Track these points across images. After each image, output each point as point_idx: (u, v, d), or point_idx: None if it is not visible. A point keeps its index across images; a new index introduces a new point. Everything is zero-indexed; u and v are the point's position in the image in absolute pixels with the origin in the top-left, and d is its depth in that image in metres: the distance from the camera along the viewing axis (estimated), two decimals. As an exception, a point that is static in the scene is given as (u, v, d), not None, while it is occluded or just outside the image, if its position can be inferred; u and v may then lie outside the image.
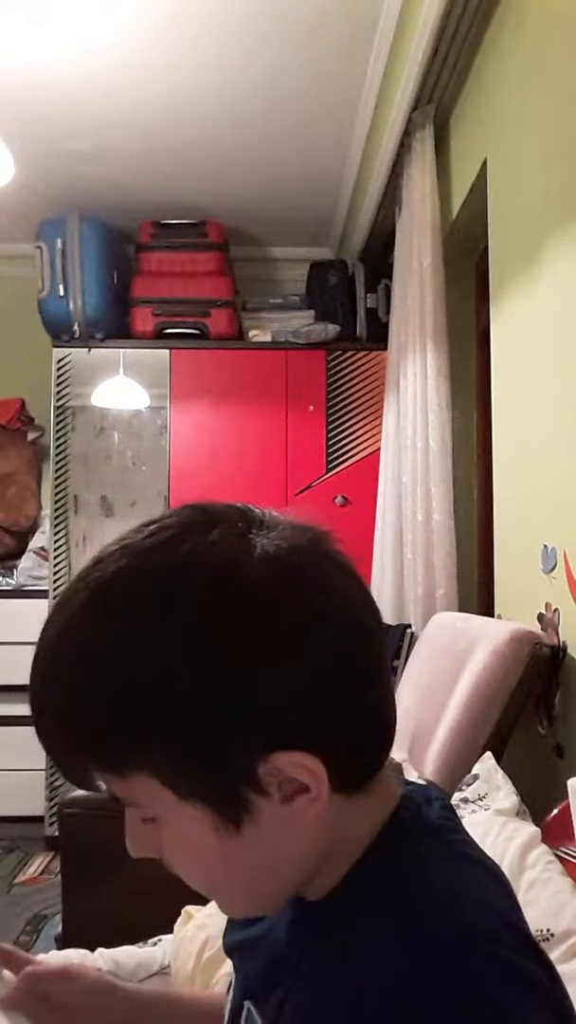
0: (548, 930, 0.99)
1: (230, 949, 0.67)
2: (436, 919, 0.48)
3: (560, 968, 0.50)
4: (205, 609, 0.48)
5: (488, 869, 0.54)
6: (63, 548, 3.42)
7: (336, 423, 3.35)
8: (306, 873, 0.54)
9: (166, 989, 0.97)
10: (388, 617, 2.71)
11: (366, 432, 3.32)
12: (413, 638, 2.43)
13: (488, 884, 0.53)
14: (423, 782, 0.62)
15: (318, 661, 0.50)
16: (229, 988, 0.65)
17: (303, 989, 0.52)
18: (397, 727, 0.57)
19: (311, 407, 3.34)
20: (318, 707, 0.50)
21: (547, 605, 1.76)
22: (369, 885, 0.52)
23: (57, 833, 1.77)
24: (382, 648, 0.56)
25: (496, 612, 2.16)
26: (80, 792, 1.76)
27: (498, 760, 1.46)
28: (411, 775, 1.70)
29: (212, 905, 1.15)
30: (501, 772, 1.40)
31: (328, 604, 0.51)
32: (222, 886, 0.56)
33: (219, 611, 0.48)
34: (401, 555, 2.68)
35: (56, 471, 3.41)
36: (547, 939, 0.98)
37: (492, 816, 1.26)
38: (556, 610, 1.71)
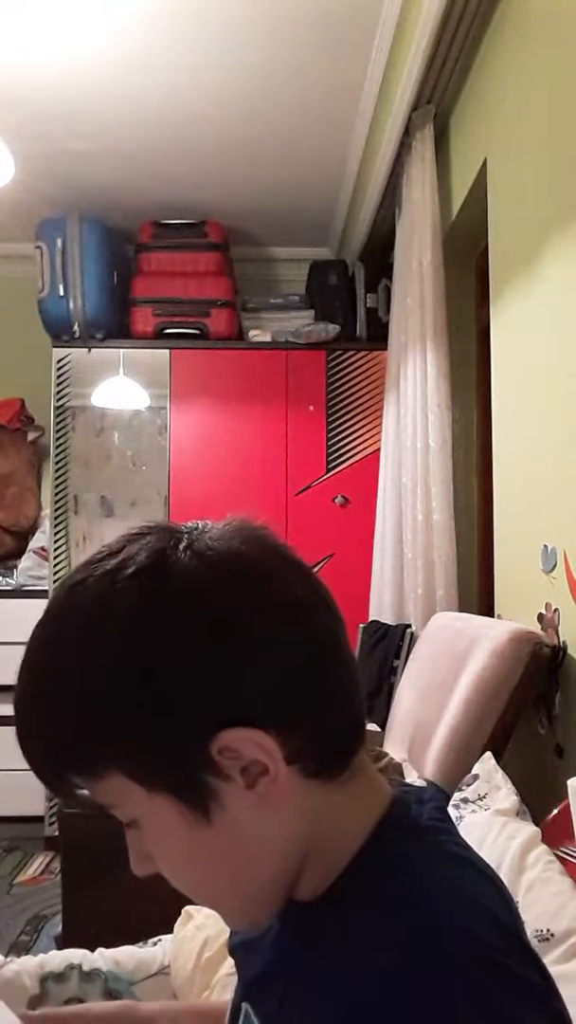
0: (548, 930, 0.99)
1: (234, 948, 0.68)
2: (431, 923, 0.47)
3: (560, 968, 0.50)
4: (137, 605, 0.51)
5: (482, 872, 0.54)
6: (63, 548, 3.42)
7: (336, 423, 3.35)
8: (291, 869, 0.54)
9: (174, 1004, 0.96)
10: (388, 617, 2.71)
11: (366, 432, 3.32)
12: (413, 638, 2.43)
13: (483, 887, 0.53)
14: (423, 783, 0.62)
15: (263, 648, 0.52)
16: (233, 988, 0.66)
17: (299, 993, 0.52)
18: (397, 727, 0.57)
19: (311, 407, 3.34)
20: (262, 686, 0.52)
21: (547, 605, 1.76)
22: (363, 887, 0.52)
23: (57, 833, 1.77)
24: (332, 630, 0.56)
25: (496, 612, 2.16)
26: (80, 792, 1.77)
27: (498, 760, 1.46)
28: (411, 775, 1.70)
29: (212, 905, 1.15)
30: (501, 772, 1.40)
31: (264, 590, 0.53)
32: (210, 887, 0.56)
33: (151, 605, 0.51)
34: (401, 555, 2.68)
35: (56, 471, 3.41)
36: (547, 939, 0.98)
37: (492, 816, 1.26)
38: (556, 610, 1.72)
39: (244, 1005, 0.60)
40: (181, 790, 0.51)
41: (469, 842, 0.57)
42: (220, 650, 0.51)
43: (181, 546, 0.53)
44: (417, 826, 0.55)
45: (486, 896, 0.52)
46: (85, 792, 0.55)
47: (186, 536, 0.54)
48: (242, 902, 0.56)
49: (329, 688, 0.55)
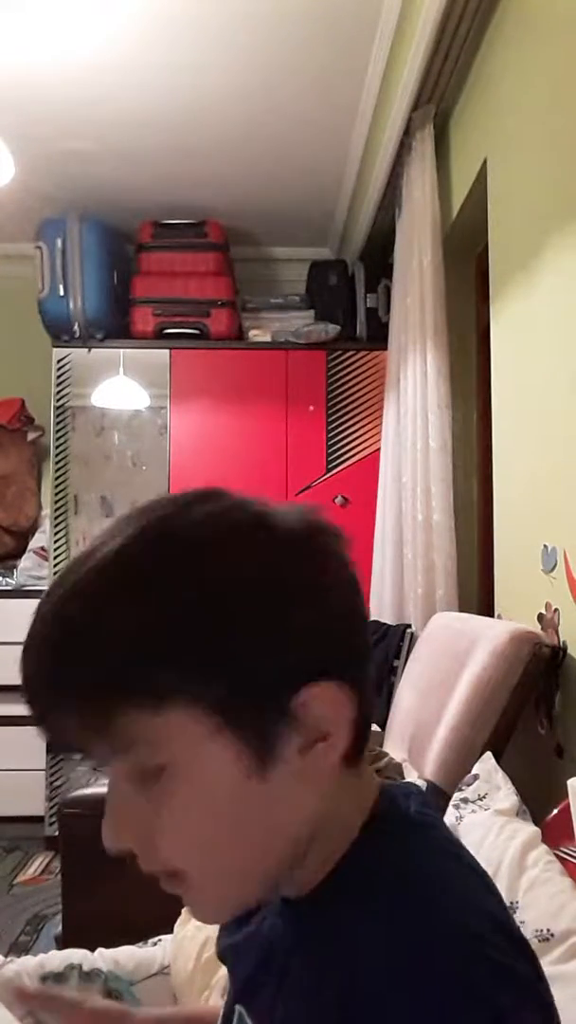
0: (548, 930, 0.99)
1: (223, 954, 0.67)
2: (429, 919, 0.48)
3: (560, 968, 0.50)
4: (240, 545, 0.52)
5: (471, 866, 0.55)
6: (63, 548, 3.42)
7: (336, 423, 3.35)
8: (296, 852, 0.53)
9: (172, 1010, 0.96)
10: (388, 617, 2.71)
11: (366, 432, 3.32)
12: (413, 638, 2.43)
13: (474, 881, 0.53)
14: (422, 783, 0.62)
15: (339, 607, 0.54)
16: (225, 992, 0.65)
17: (294, 989, 0.52)
18: (397, 727, 0.58)
19: (311, 407, 3.34)
20: (347, 648, 0.54)
21: (547, 605, 1.76)
22: (359, 883, 0.52)
23: (57, 833, 1.77)
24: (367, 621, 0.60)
25: (496, 612, 2.16)
26: (80, 792, 1.76)
27: (498, 760, 1.46)
28: (411, 775, 1.69)
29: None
30: (501, 772, 1.40)
31: (339, 563, 0.56)
32: (226, 854, 0.52)
33: (269, 545, 0.52)
34: (401, 555, 2.68)
35: (56, 471, 3.41)
36: (547, 939, 0.98)
37: (492, 816, 1.26)
38: (556, 610, 1.71)
39: (237, 1007, 0.59)
40: (251, 735, 0.50)
41: (469, 842, 0.57)
42: (323, 601, 0.52)
43: (276, 507, 0.55)
44: (408, 820, 0.55)
45: (479, 891, 0.52)
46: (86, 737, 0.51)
47: (267, 501, 0.56)
48: (241, 882, 0.54)
49: (367, 659, 0.57)
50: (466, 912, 0.49)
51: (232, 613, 0.49)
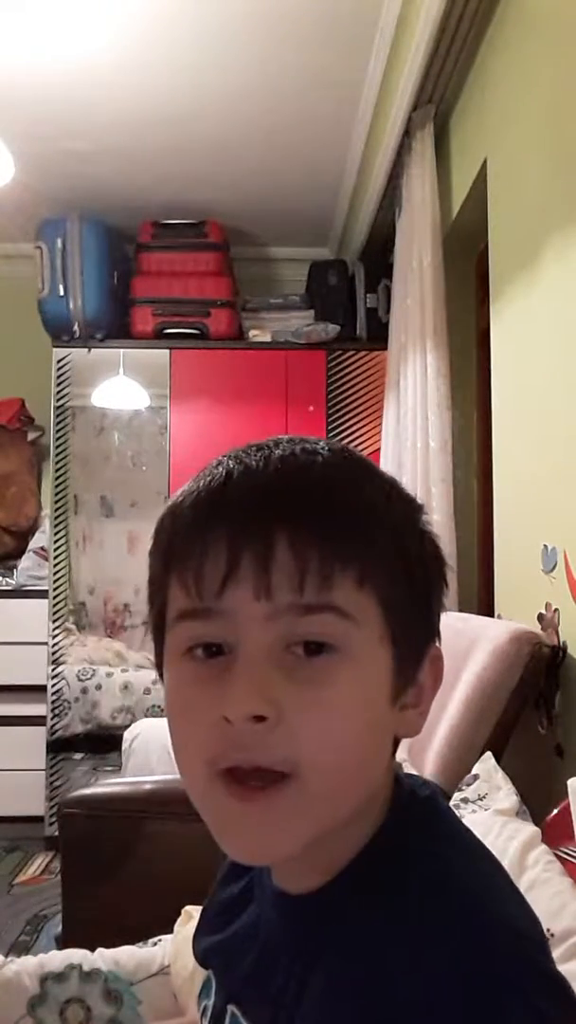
0: (548, 930, 0.99)
1: (206, 954, 0.64)
2: (478, 921, 0.46)
3: (560, 968, 0.50)
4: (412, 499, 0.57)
5: (494, 860, 0.54)
6: (63, 548, 3.42)
7: (336, 423, 3.35)
8: (352, 811, 0.50)
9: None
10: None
11: (366, 432, 3.32)
12: (413, 638, 2.42)
13: (504, 878, 0.53)
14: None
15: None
16: (201, 992, 0.62)
17: (326, 985, 0.49)
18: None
19: (311, 407, 3.34)
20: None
21: (547, 605, 1.76)
22: (383, 875, 0.50)
23: (57, 833, 1.77)
24: None
25: (496, 612, 2.16)
26: (80, 792, 1.76)
27: (498, 760, 1.46)
28: (411, 775, 1.69)
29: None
30: (501, 772, 1.40)
31: None
32: (347, 751, 0.48)
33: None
34: (401, 555, 2.68)
35: (56, 471, 3.41)
36: (547, 939, 0.98)
37: (492, 816, 1.26)
38: (556, 610, 1.71)
39: (230, 1008, 0.57)
40: (402, 661, 0.51)
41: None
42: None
43: None
44: (427, 813, 0.55)
45: (508, 890, 0.52)
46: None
47: None
48: (343, 793, 0.49)
49: None
50: (505, 912, 0.48)
51: (437, 557, 0.55)
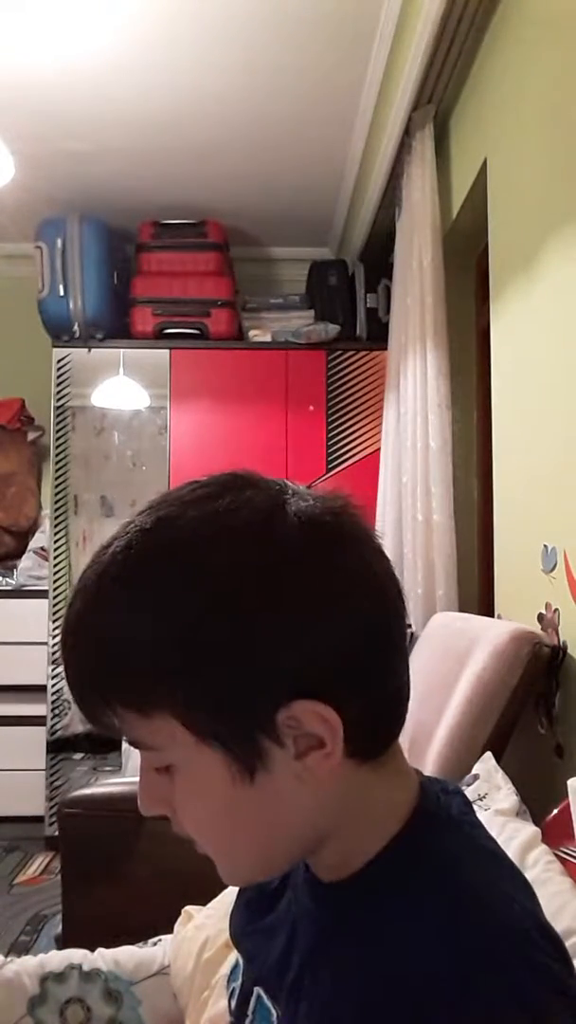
0: (561, 941, 0.99)
1: (240, 935, 0.67)
2: (476, 918, 0.48)
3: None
4: (238, 558, 0.50)
5: (514, 868, 0.55)
6: (63, 548, 3.42)
7: (336, 423, 3.35)
8: (311, 840, 0.55)
9: None
10: (388, 617, 2.70)
11: (366, 432, 3.32)
12: (413, 638, 2.43)
13: (520, 885, 0.53)
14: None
15: (347, 619, 0.52)
16: (231, 975, 0.65)
17: (330, 974, 0.51)
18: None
19: (311, 407, 3.34)
20: (343, 664, 0.51)
21: (547, 605, 1.76)
22: (404, 879, 0.51)
23: (57, 833, 1.77)
24: (404, 619, 0.57)
25: (496, 612, 2.16)
26: (80, 792, 1.76)
27: (498, 760, 1.46)
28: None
29: (212, 905, 1.15)
30: (501, 772, 1.40)
31: (359, 568, 0.54)
32: (231, 841, 0.55)
33: (252, 561, 0.50)
34: (401, 555, 2.68)
35: (56, 471, 3.41)
36: (560, 940, 0.98)
37: (492, 816, 1.26)
38: (556, 610, 1.72)
39: (256, 990, 0.60)
40: (234, 747, 0.51)
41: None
42: (312, 615, 0.50)
43: (290, 511, 0.53)
44: (451, 818, 0.56)
45: (519, 891, 0.53)
46: (115, 723, 0.54)
47: (289, 497, 0.54)
48: (253, 860, 0.56)
49: (384, 668, 0.55)
50: (510, 914, 0.49)
51: (213, 643, 0.49)
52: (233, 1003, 0.63)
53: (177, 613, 0.49)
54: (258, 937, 0.63)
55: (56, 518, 3.42)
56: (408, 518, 2.62)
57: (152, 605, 0.50)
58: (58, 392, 3.38)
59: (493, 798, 1.32)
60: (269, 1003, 0.58)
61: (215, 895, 1.13)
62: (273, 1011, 0.57)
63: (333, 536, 0.53)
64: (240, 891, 0.71)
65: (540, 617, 1.79)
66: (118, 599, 0.51)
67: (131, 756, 2.40)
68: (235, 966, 0.66)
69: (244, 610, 0.49)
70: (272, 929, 0.61)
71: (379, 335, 3.19)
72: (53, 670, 3.29)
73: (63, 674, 0.55)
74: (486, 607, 2.57)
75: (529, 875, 1.08)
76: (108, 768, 3.29)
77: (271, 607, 0.50)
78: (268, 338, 3.38)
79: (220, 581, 0.50)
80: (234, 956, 0.68)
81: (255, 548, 0.51)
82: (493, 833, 1.18)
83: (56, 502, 3.42)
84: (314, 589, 0.51)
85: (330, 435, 3.34)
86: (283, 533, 0.51)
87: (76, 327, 3.28)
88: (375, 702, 0.54)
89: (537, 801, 1.33)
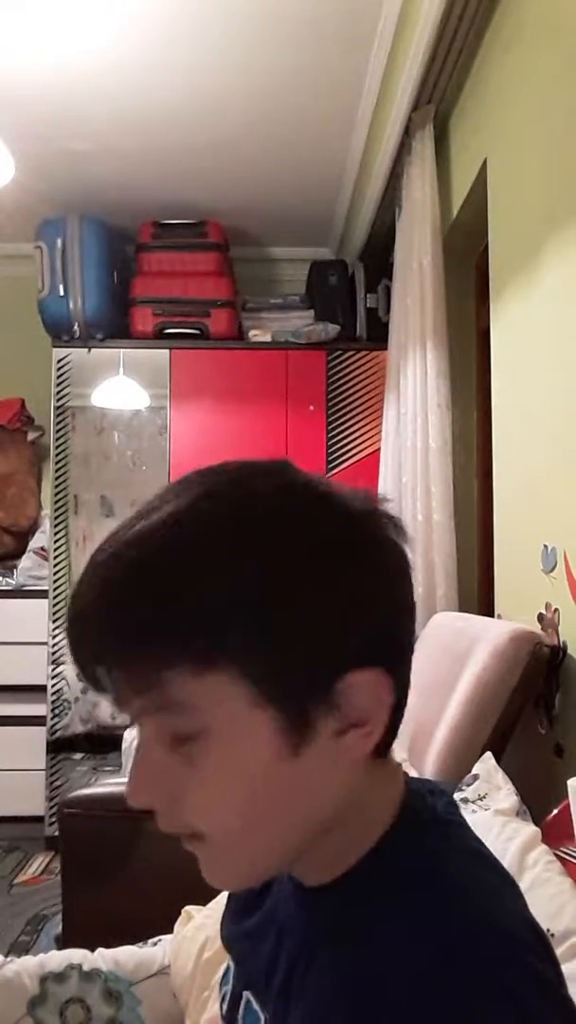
0: (548, 930, 0.99)
1: (230, 940, 0.67)
2: (464, 919, 0.47)
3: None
4: (317, 511, 0.52)
5: (496, 868, 0.55)
6: (63, 548, 3.42)
7: (336, 423, 3.35)
8: (315, 834, 0.53)
9: None
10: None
11: (366, 432, 3.32)
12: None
13: (507, 886, 0.53)
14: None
15: (402, 597, 0.55)
16: (223, 978, 0.65)
17: (316, 983, 0.51)
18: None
19: (311, 407, 3.34)
20: (395, 641, 0.54)
21: (547, 605, 1.76)
22: (393, 881, 0.51)
23: (57, 833, 1.77)
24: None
25: (496, 612, 2.16)
26: (80, 792, 1.77)
27: (498, 760, 1.46)
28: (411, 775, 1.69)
29: (212, 905, 1.15)
30: (501, 772, 1.40)
31: (405, 555, 0.56)
32: (250, 827, 0.51)
33: (329, 518, 0.52)
34: (401, 555, 2.68)
35: (56, 471, 3.41)
36: (547, 942, 0.98)
37: (492, 816, 1.26)
38: (556, 610, 1.72)
39: (246, 994, 0.59)
40: (289, 712, 0.49)
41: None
42: (383, 585, 0.53)
43: (339, 488, 0.55)
44: (437, 819, 0.56)
45: (506, 892, 0.53)
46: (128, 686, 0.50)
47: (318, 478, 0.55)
48: (261, 854, 0.53)
49: (410, 670, 0.56)
50: (496, 913, 0.49)
51: (293, 590, 0.49)
52: (224, 1007, 0.63)
53: (257, 559, 0.49)
54: (245, 941, 0.63)
55: (56, 518, 3.42)
56: (408, 518, 2.62)
57: (226, 560, 0.49)
58: (58, 392, 3.38)
59: (493, 798, 1.32)
60: (257, 1007, 0.58)
61: (215, 895, 1.13)
62: (261, 1015, 0.57)
63: (386, 518, 0.55)
64: (229, 894, 0.71)
65: (540, 617, 1.79)
66: (188, 551, 0.49)
67: (131, 756, 2.40)
68: (226, 969, 0.66)
69: (325, 561, 0.50)
70: (258, 933, 0.61)
71: (379, 335, 3.19)
72: (53, 670, 3.29)
73: (77, 649, 0.51)
74: (486, 607, 2.57)
75: (529, 875, 1.09)
76: (108, 768, 3.29)
77: (349, 568, 0.51)
78: (268, 338, 3.38)
79: (300, 534, 0.50)
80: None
81: (332, 511, 0.52)
82: (493, 833, 1.19)
83: (56, 502, 3.42)
84: (381, 562, 0.53)
85: (330, 435, 3.34)
86: (351, 505, 0.54)
87: (76, 327, 3.28)
88: (406, 689, 0.55)
89: (537, 801, 1.33)
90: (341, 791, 0.53)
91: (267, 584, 0.49)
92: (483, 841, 0.57)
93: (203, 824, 0.51)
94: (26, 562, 3.50)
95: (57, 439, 3.39)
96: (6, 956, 1.09)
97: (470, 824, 0.58)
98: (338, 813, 0.53)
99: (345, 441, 3.34)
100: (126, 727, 2.61)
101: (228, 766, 0.50)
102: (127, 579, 0.49)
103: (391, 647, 0.53)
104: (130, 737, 2.46)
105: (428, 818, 0.55)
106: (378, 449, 3.03)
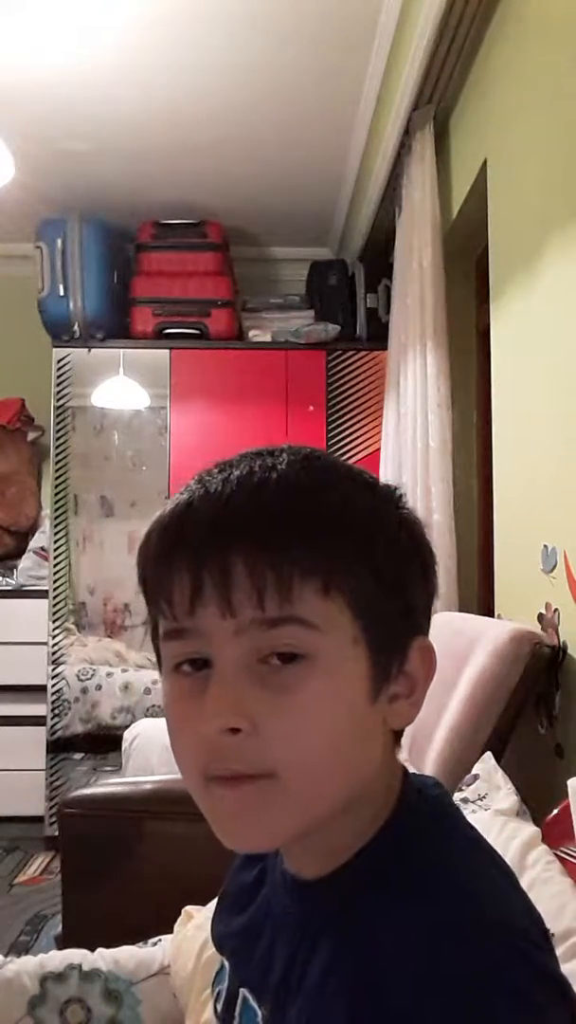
0: (548, 930, 0.99)
1: (222, 938, 0.67)
2: (464, 912, 0.47)
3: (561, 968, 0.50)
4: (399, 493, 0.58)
5: (492, 853, 0.55)
6: (63, 548, 3.42)
7: (336, 423, 3.35)
8: (346, 802, 0.52)
9: None
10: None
11: (366, 432, 3.32)
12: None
13: (509, 878, 0.54)
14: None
15: (436, 577, 0.59)
16: (216, 977, 0.65)
17: (317, 976, 0.51)
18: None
19: (311, 407, 3.34)
20: (431, 615, 0.59)
21: (547, 605, 1.76)
22: (388, 872, 0.51)
23: (57, 833, 1.77)
24: None
25: (496, 612, 2.16)
26: (80, 792, 1.76)
27: (498, 760, 1.46)
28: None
29: (212, 905, 1.15)
30: (501, 772, 1.40)
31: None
32: (331, 763, 0.51)
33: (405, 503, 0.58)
34: (401, 555, 2.68)
35: (56, 471, 3.41)
36: (549, 938, 0.98)
37: (492, 816, 1.26)
38: (556, 610, 1.72)
39: (242, 991, 0.59)
40: (382, 657, 0.52)
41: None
42: (435, 567, 0.58)
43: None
44: (433, 809, 0.56)
45: (509, 885, 0.53)
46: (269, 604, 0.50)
47: None
48: (327, 794, 0.52)
49: None
50: (501, 910, 0.49)
51: (415, 546, 0.56)
52: (219, 1006, 0.63)
53: (379, 507, 0.55)
54: (240, 938, 0.63)
55: (56, 518, 3.42)
56: (408, 518, 2.62)
57: (362, 493, 0.55)
58: (58, 392, 3.38)
59: (493, 798, 1.32)
60: (254, 1004, 0.57)
61: (215, 895, 1.13)
62: (259, 1012, 0.57)
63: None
64: (220, 895, 0.71)
65: (540, 617, 1.79)
66: (327, 481, 0.54)
67: (131, 756, 2.40)
68: (220, 968, 0.65)
69: (414, 528, 0.57)
70: (251, 930, 0.61)
71: (379, 335, 3.19)
72: (53, 670, 3.29)
73: (212, 537, 0.51)
74: (486, 607, 2.57)
75: (529, 875, 1.09)
76: (108, 768, 3.29)
77: (424, 540, 0.57)
78: (268, 338, 3.38)
79: (399, 500, 0.57)
80: None
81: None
82: (493, 833, 1.19)
83: (56, 502, 3.42)
84: (429, 542, 0.58)
85: (330, 435, 3.34)
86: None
87: (76, 327, 3.28)
88: None
89: (537, 801, 1.33)
90: (374, 763, 0.54)
91: (390, 533, 0.54)
92: (478, 830, 0.57)
93: (288, 753, 0.49)
94: (26, 562, 3.50)
95: (57, 439, 3.39)
96: (6, 956, 1.09)
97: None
98: (361, 790, 0.53)
99: (345, 441, 3.34)
100: (126, 727, 2.61)
101: (327, 694, 0.50)
102: (310, 485, 0.52)
103: (430, 622, 0.57)
104: (130, 736, 2.46)
105: (425, 809, 0.55)
106: (378, 449, 3.03)
